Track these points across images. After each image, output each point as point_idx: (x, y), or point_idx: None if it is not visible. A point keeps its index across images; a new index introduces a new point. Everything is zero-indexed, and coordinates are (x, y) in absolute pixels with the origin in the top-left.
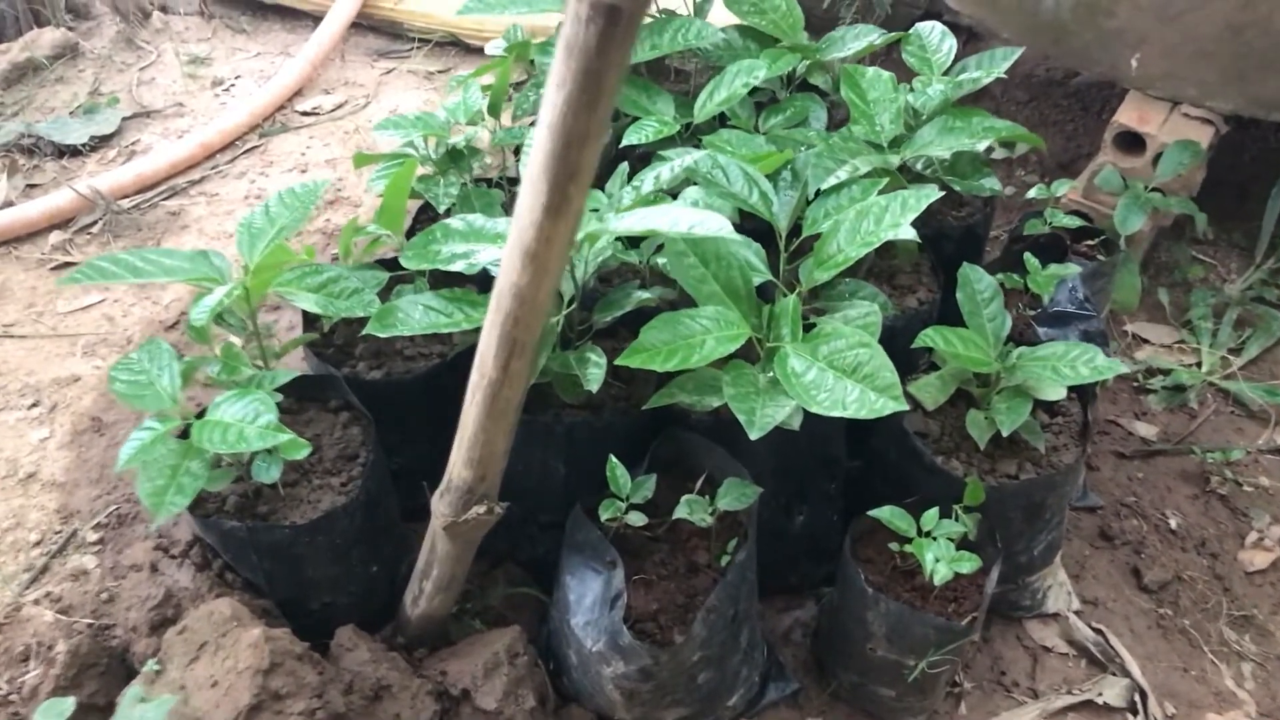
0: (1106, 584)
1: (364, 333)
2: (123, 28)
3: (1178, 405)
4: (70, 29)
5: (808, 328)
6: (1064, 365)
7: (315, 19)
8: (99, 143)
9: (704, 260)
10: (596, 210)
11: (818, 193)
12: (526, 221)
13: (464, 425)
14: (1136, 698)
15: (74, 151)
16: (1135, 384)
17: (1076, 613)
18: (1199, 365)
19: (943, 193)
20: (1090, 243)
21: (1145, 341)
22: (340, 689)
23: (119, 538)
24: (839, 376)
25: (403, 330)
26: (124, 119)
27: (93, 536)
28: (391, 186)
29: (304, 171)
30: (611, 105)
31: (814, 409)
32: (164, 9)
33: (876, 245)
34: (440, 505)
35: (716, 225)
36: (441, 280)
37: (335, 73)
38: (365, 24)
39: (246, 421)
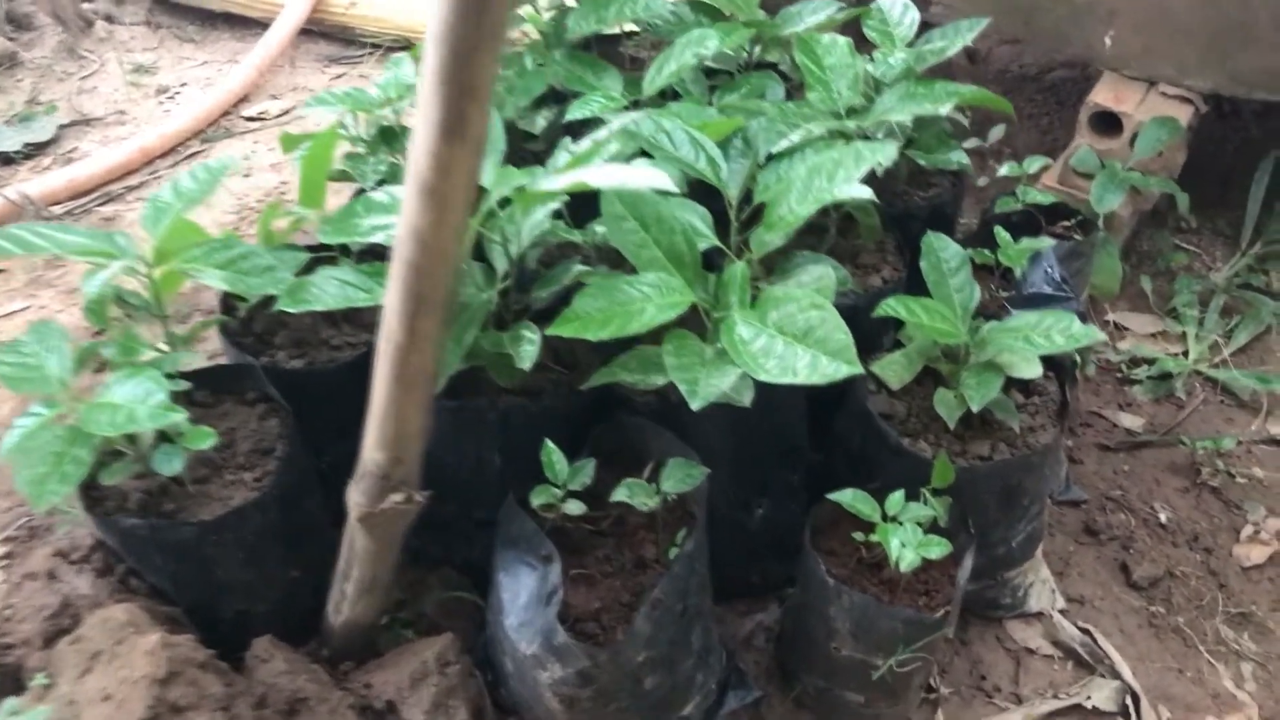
0: (1093, 581)
1: (275, 309)
2: (64, 37)
3: (1164, 395)
4: (11, 39)
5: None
6: (1037, 334)
7: (265, 26)
8: (34, 150)
9: (644, 224)
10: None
11: (769, 158)
12: (421, 150)
13: (374, 400)
14: (1128, 701)
15: (6, 159)
16: (1119, 374)
17: (1061, 611)
18: (1185, 354)
19: (903, 148)
20: (1066, 223)
21: (1128, 331)
22: (250, 702)
23: (29, 552)
24: (789, 342)
25: (316, 305)
26: (61, 127)
27: (0, 551)
28: (310, 158)
29: (247, 176)
30: (504, 10)
31: (762, 377)
32: (109, 19)
33: (831, 203)
34: (354, 494)
35: (650, 178)
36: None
37: (284, 79)
38: (316, 30)
39: (137, 401)
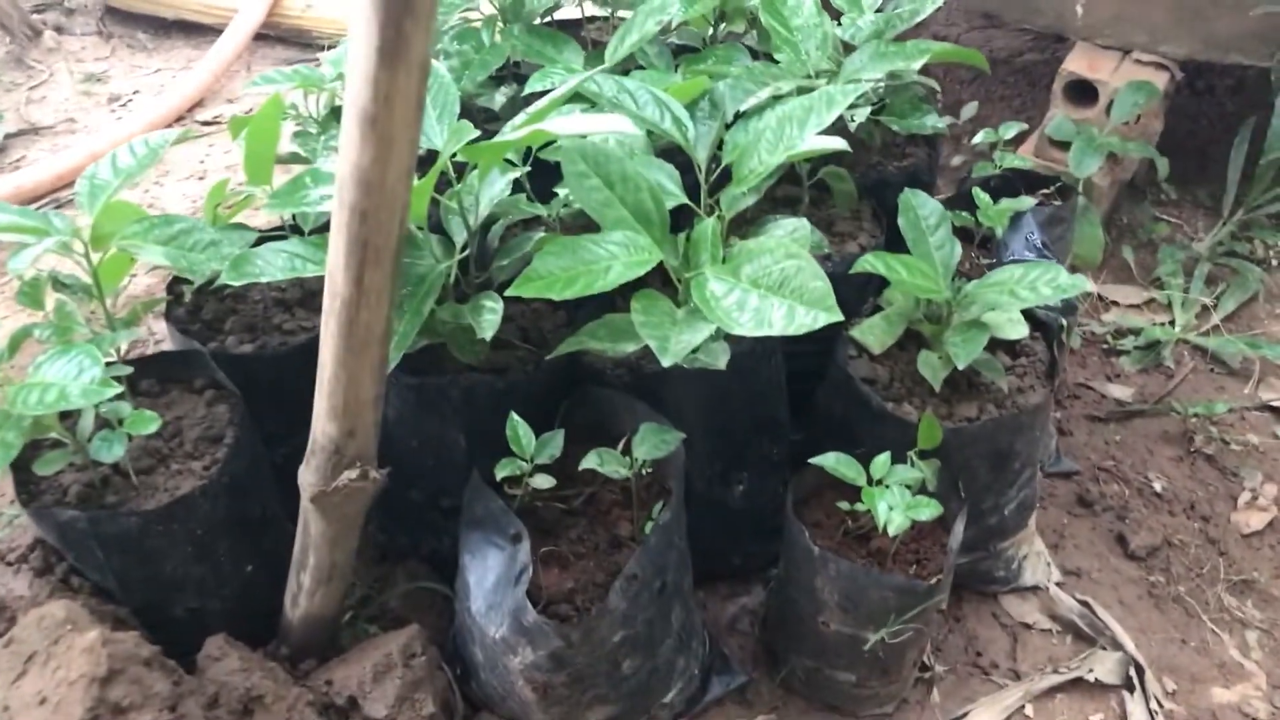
0: (1089, 553)
1: (219, 282)
2: (12, 48)
3: (1152, 365)
4: None
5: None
6: (1022, 288)
7: (220, 33)
8: None
9: (608, 182)
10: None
11: (737, 116)
12: (359, 77)
13: (322, 366)
14: (1132, 673)
15: None
16: (1105, 346)
17: (1058, 585)
18: (1171, 323)
19: (875, 114)
20: (1046, 190)
21: (1113, 304)
22: (202, 702)
23: None
24: (764, 295)
25: (262, 277)
26: (8, 136)
27: None
28: (254, 131)
29: (202, 179)
30: None
31: (736, 330)
32: (58, 29)
33: (802, 154)
34: (306, 474)
35: (614, 123)
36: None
37: (240, 83)
38: (273, 34)
39: (69, 379)
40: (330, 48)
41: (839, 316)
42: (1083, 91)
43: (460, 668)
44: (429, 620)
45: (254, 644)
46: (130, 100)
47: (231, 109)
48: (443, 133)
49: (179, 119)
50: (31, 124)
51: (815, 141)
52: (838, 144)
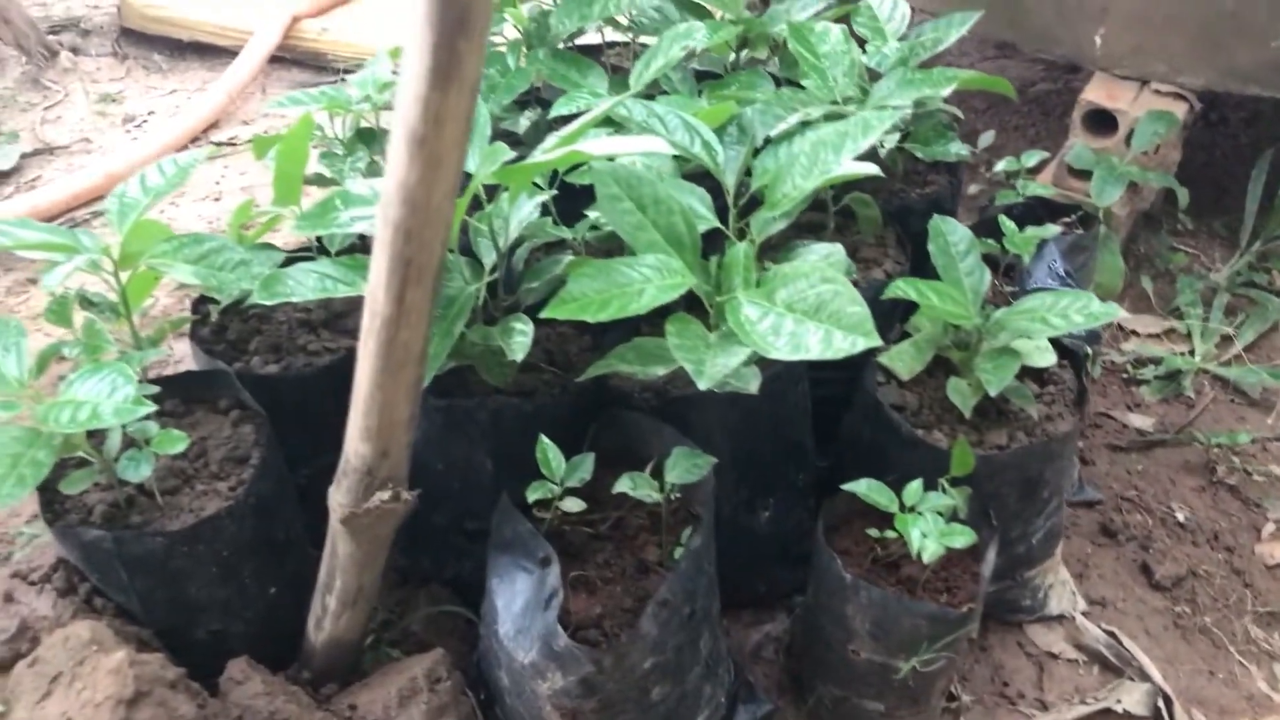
0: (1114, 583)
1: (249, 302)
2: (28, 68)
3: (1173, 395)
4: None
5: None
6: (1054, 315)
7: (235, 55)
8: None
9: (640, 205)
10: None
11: (767, 141)
12: (410, 96)
13: (357, 386)
14: (1160, 704)
15: None
16: (1124, 375)
17: (1083, 614)
18: (1191, 353)
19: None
20: (1067, 219)
21: (1132, 333)
22: None
23: None
24: (800, 319)
25: (294, 297)
26: (24, 155)
27: None
28: (284, 151)
29: (218, 200)
30: None
31: (772, 354)
32: (74, 50)
33: (837, 179)
34: (337, 495)
35: (649, 144)
36: None
37: (256, 105)
38: (288, 57)
39: (102, 397)
40: (346, 71)
41: (878, 341)
42: (1101, 121)
43: (484, 693)
44: (451, 645)
45: (274, 667)
46: (145, 121)
47: (247, 131)
48: (475, 154)
49: (194, 140)
50: (47, 144)
51: (850, 167)
52: (871, 169)
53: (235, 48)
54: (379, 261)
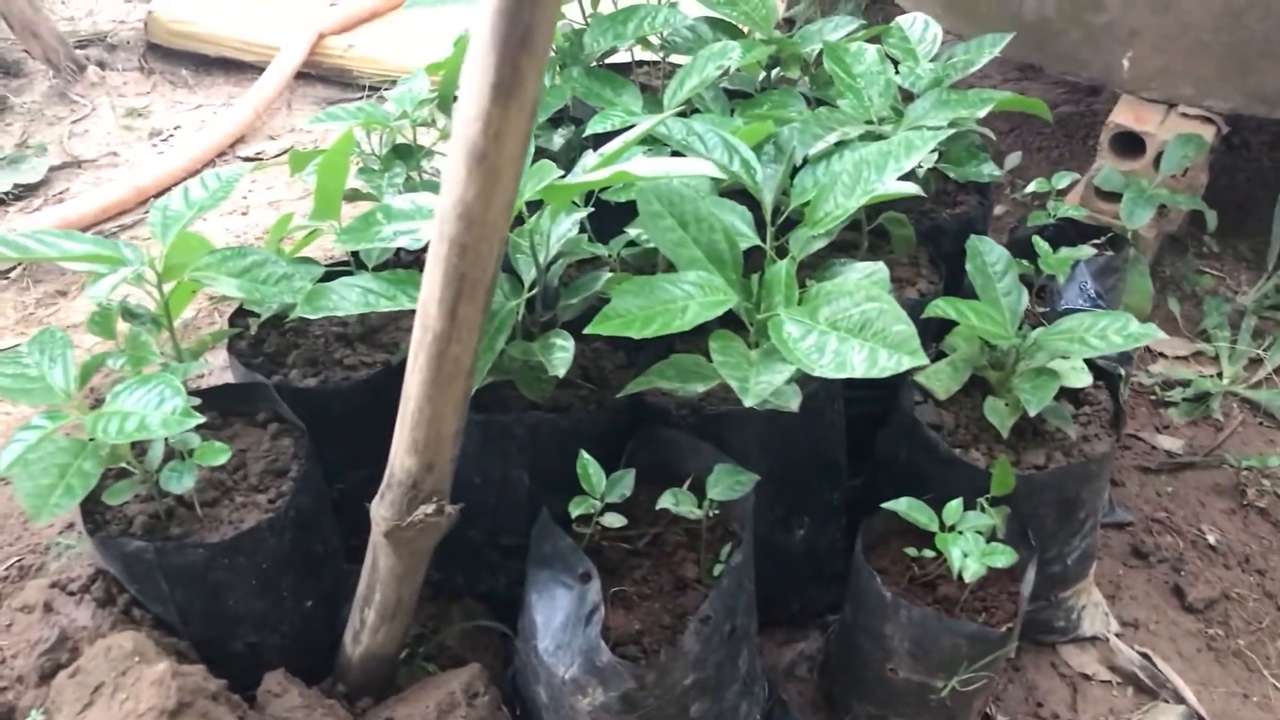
0: (1146, 605)
1: (293, 315)
2: (55, 82)
3: (1201, 417)
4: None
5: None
6: (1092, 336)
7: (261, 70)
8: (23, 191)
9: (682, 223)
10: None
11: (804, 161)
12: (471, 112)
13: (406, 399)
14: None
15: None
16: (1152, 397)
17: (1116, 635)
18: (1219, 376)
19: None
20: (1097, 241)
21: (1160, 355)
22: None
23: (18, 593)
24: (844, 337)
25: (337, 311)
26: (52, 168)
27: None
28: (326, 164)
29: (245, 214)
30: None
31: (816, 372)
32: (101, 65)
33: (880, 197)
34: (380, 508)
35: (697, 165)
36: None
37: (282, 120)
38: (314, 73)
39: (150, 408)
40: (371, 88)
41: (924, 360)
42: (1129, 144)
43: (520, 709)
44: (485, 660)
45: (308, 681)
46: (171, 135)
47: (273, 146)
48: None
49: (220, 155)
50: (75, 157)
51: (893, 186)
52: (914, 189)
53: (261, 63)
54: (433, 276)
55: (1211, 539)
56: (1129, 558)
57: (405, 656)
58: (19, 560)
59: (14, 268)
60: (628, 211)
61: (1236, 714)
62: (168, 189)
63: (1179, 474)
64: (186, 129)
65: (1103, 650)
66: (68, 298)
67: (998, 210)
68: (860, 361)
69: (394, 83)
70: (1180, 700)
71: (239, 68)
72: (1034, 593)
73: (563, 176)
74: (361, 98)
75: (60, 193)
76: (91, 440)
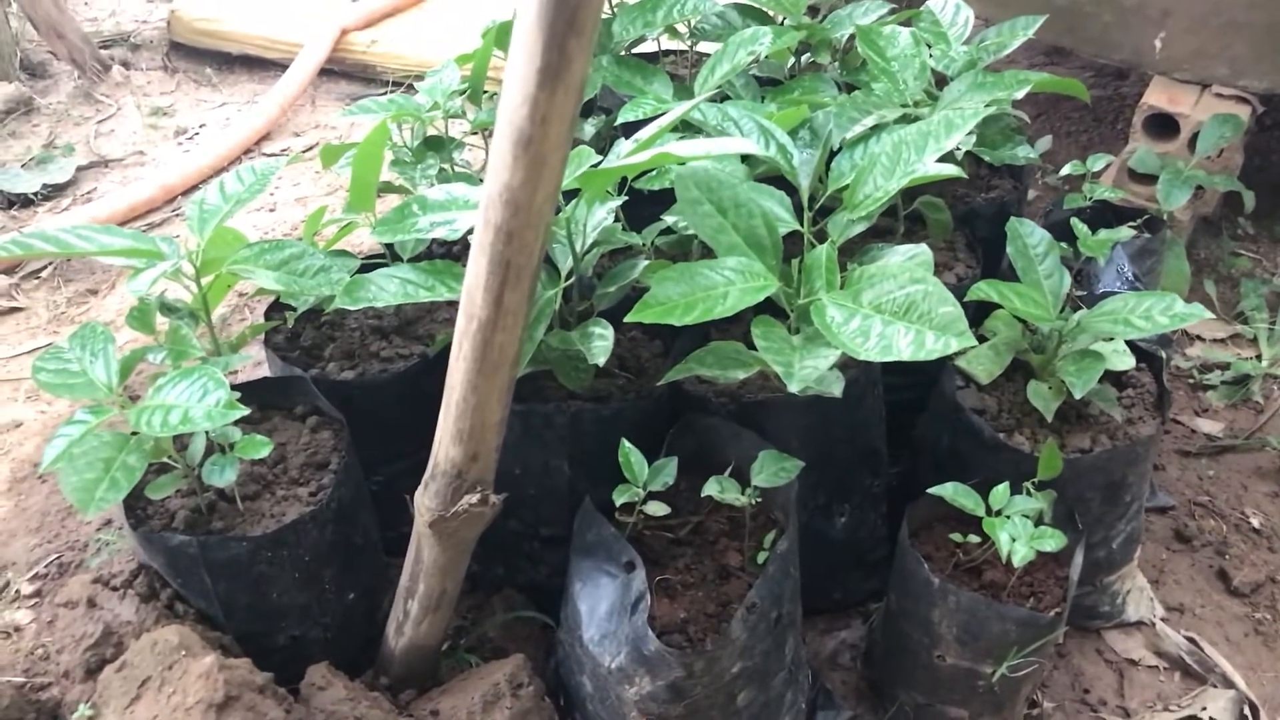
0: (1190, 589)
1: (332, 306)
2: (81, 82)
3: (1241, 400)
4: (26, 86)
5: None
6: (1137, 317)
7: (284, 68)
8: (52, 192)
9: (721, 209)
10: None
11: (840, 146)
12: (517, 97)
13: (450, 389)
14: (1246, 711)
15: (25, 201)
16: (1191, 380)
17: (1162, 620)
18: (1258, 358)
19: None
20: (1134, 223)
21: (1197, 338)
22: None
23: (59, 589)
24: (889, 320)
25: (376, 302)
26: (79, 168)
27: (28, 589)
28: (361, 155)
29: (272, 210)
30: None
31: (861, 356)
32: (125, 64)
33: (920, 179)
34: (425, 499)
35: (737, 145)
36: None
37: (306, 117)
38: (337, 69)
39: (193, 401)
40: (395, 83)
41: (972, 341)
42: (1162, 125)
43: (564, 699)
44: (527, 651)
45: (349, 674)
46: (197, 133)
47: (299, 142)
48: None
49: (246, 152)
50: (101, 156)
51: (933, 167)
52: (955, 170)
53: (284, 61)
54: (477, 264)
55: (1255, 522)
56: (1172, 542)
57: (447, 649)
58: (58, 558)
59: (45, 267)
60: (659, 202)
61: None
62: (195, 187)
63: (1220, 457)
64: (211, 127)
65: (1148, 635)
66: (98, 296)
67: (1029, 195)
68: (907, 344)
69: (419, 78)
70: (1229, 685)
71: (262, 65)
72: (1079, 578)
73: (598, 163)
74: (385, 93)
75: (88, 192)
76: (135, 434)
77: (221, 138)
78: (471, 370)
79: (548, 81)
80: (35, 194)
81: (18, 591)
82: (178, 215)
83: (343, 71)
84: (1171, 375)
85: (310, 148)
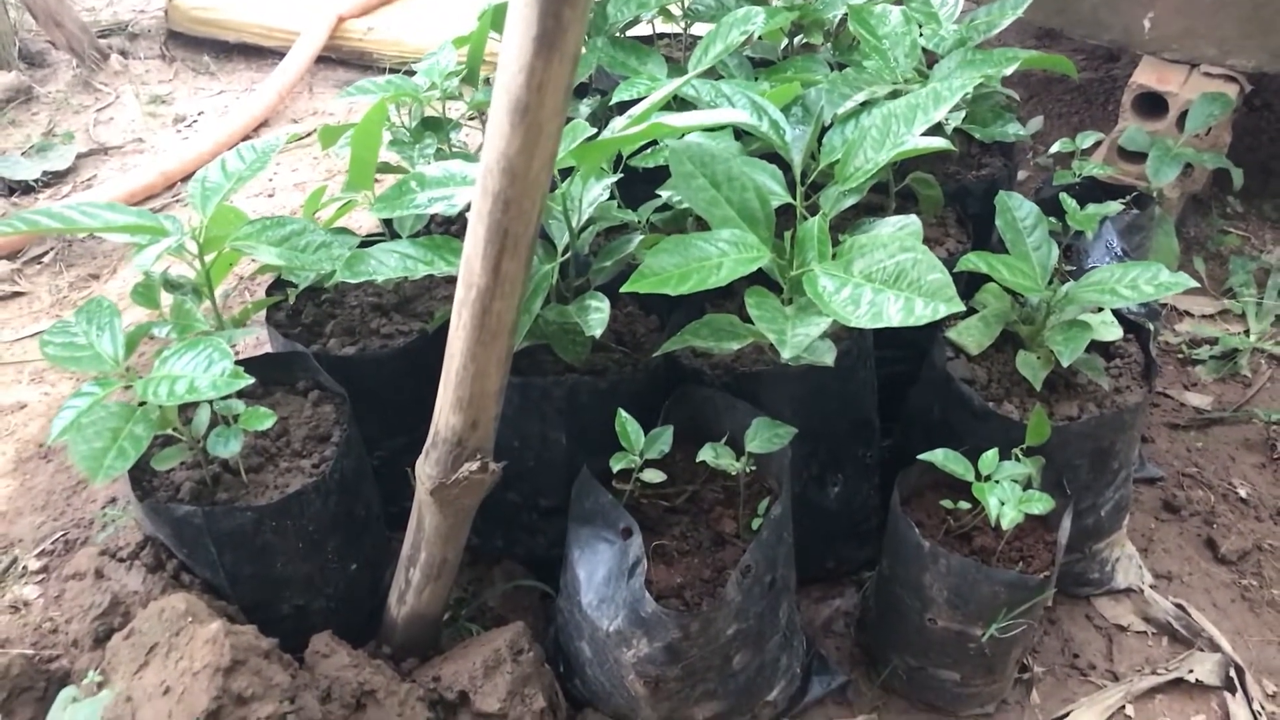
0: (1178, 557)
1: (333, 280)
2: (79, 71)
3: (1229, 374)
4: (25, 75)
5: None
6: (1123, 286)
7: (282, 56)
8: (52, 178)
9: (714, 182)
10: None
11: (833, 121)
12: (514, 65)
13: (450, 358)
14: (1232, 674)
15: (25, 188)
16: (1180, 355)
17: (1150, 587)
18: (1246, 333)
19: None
20: (1123, 200)
21: (1186, 314)
22: (317, 695)
23: (64, 565)
24: (879, 289)
25: (376, 276)
26: (79, 156)
27: (35, 565)
28: (360, 133)
29: (271, 196)
30: None
31: (852, 324)
32: (123, 53)
33: (908, 151)
34: (425, 466)
35: (729, 115)
36: None
37: (304, 104)
38: (334, 57)
39: (198, 371)
40: (391, 70)
41: (960, 307)
42: (1151, 104)
43: (563, 665)
44: (527, 620)
45: (352, 644)
46: (195, 121)
47: (297, 129)
48: None
49: (244, 139)
50: (101, 144)
51: (922, 140)
52: (942, 144)
53: (281, 49)
54: (475, 232)
55: (1243, 492)
56: (1161, 512)
57: (448, 619)
58: (64, 535)
59: (47, 252)
60: (654, 180)
61: (1271, 661)
62: (193, 174)
63: (1208, 430)
64: (210, 115)
65: (1137, 602)
66: (100, 281)
67: (1020, 175)
68: (896, 311)
69: (416, 64)
70: (1215, 649)
71: (260, 53)
72: (1068, 545)
73: (593, 136)
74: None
75: (88, 179)
76: (142, 404)
77: (220, 125)
78: (470, 338)
79: (544, 49)
80: (36, 181)
81: (25, 568)
82: (178, 201)
83: (340, 59)
84: (1161, 350)
85: (308, 134)
